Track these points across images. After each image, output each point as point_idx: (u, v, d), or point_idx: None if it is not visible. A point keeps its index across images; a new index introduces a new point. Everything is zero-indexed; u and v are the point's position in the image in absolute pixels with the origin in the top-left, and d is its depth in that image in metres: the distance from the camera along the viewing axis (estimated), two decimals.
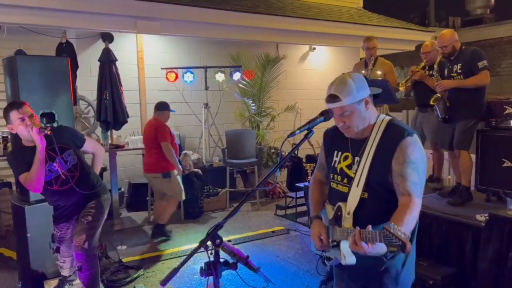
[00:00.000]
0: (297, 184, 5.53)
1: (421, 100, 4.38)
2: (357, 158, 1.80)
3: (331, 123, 1.88)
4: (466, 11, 12.85)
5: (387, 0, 13.42)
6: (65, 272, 3.17)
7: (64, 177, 2.85)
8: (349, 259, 1.72)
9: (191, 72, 6.44)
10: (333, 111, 1.77)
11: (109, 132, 5.55)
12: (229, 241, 4.65)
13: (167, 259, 4.32)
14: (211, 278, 1.56)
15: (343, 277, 1.96)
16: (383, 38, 7.50)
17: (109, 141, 5.45)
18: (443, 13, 13.61)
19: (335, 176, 1.90)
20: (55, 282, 3.29)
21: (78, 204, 2.96)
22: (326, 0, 8.33)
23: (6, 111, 2.75)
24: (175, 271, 1.43)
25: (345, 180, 1.84)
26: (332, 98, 1.74)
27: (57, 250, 3.08)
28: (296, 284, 3.71)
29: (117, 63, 5.60)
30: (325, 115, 1.76)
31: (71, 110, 3.73)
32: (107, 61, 5.46)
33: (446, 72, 3.94)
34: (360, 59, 4.93)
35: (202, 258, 1.60)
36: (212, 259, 1.56)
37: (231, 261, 1.64)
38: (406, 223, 1.57)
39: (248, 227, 5.30)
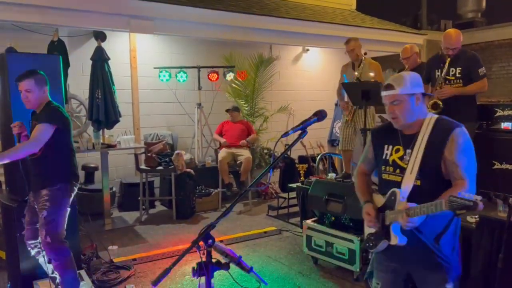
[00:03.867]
0: (290, 185, 5.53)
1: None
2: (408, 151, 1.96)
3: (322, 124, 1.93)
4: (457, 14, 12.96)
5: (380, 2, 13.49)
6: (44, 266, 3.17)
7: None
8: (400, 239, 1.90)
9: (184, 72, 6.42)
10: (385, 100, 1.98)
11: (101, 132, 5.51)
12: (221, 241, 4.65)
13: (158, 259, 4.29)
14: (203, 278, 1.55)
15: (390, 261, 2.08)
16: (375, 40, 7.55)
17: (101, 141, 5.40)
18: (435, 17, 13.71)
19: (387, 167, 2.06)
20: (44, 282, 3.25)
21: (28, 181, 3.08)
22: (319, 1, 8.36)
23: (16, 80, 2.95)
24: (166, 271, 1.42)
25: (398, 171, 2.00)
26: (387, 87, 1.96)
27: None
28: (288, 285, 3.71)
29: (109, 62, 5.56)
30: (319, 115, 1.77)
31: None
32: (100, 60, 5.41)
33: (440, 74, 3.88)
34: (349, 60, 4.95)
35: (194, 259, 1.58)
36: (204, 259, 1.55)
37: (223, 261, 1.63)
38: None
39: (240, 228, 5.29)
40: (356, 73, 4.73)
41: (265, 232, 5.10)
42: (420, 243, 1.91)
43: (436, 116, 1.98)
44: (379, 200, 2.06)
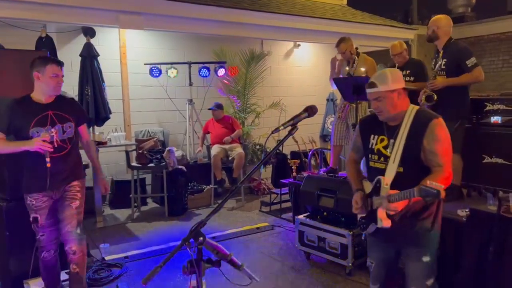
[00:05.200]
0: (282, 181, 5.53)
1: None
2: (392, 140, 2.16)
3: (314, 119, 1.98)
4: (448, 9, 13.02)
5: None
6: (46, 254, 2.97)
7: (56, 145, 2.78)
8: (386, 222, 2.07)
9: (175, 68, 6.38)
10: (369, 96, 2.18)
11: (91, 129, 5.46)
12: (213, 238, 4.64)
13: (151, 257, 4.27)
14: (194, 276, 1.54)
15: (379, 243, 2.36)
16: (366, 35, 7.56)
17: (91, 138, 5.35)
18: (426, 12, 13.77)
19: (372, 156, 2.26)
20: (35, 281, 3.22)
21: (59, 177, 2.85)
22: None
23: (44, 60, 2.75)
24: (156, 270, 1.41)
25: (382, 159, 2.21)
26: (370, 85, 2.16)
27: (34, 220, 2.86)
28: (281, 280, 3.72)
29: (99, 58, 5.50)
30: (309, 111, 1.77)
31: None
32: (89, 56, 5.36)
33: (434, 67, 3.84)
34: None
35: (188, 256, 1.57)
36: (195, 257, 1.54)
37: (214, 258, 1.62)
38: (438, 180, 1.90)
39: (233, 224, 5.28)
40: (347, 68, 4.74)
41: (257, 228, 5.10)
42: (404, 222, 2.11)
43: (417, 107, 2.17)
44: (368, 186, 2.27)
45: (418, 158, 2.09)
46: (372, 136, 2.28)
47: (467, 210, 3.22)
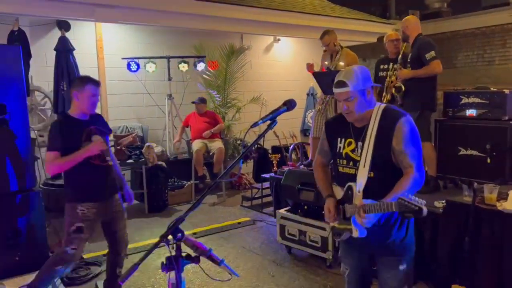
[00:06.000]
0: (263, 175, 5.54)
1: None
2: (359, 143, 2.02)
3: (294, 114, 1.92)
4: (425, 4, 13.21)
5: None
6: (72, 258, 2.86)
7: (104, 156, 2.90)
8: (360, 232, 1.97)
9: (153, 62, 6.29)
10: (338, 97, 2.00)
11: None
12: (194, 233, 4.61)
13: (130, 254, 4.17)
14: (173, 272, 1.52)
15: (352, 250, 2.21)
16: (345, 30, 7.60)
17: None
18: (403, 7, 13.94)
19: (341, 160, 2.11)
20: (10, 281, 3.14)
21: (107, 187, 2.96)
22: None
23: (84, 81, 2.85)
24: (133, 268, 1.38)
25: (351, 163, 2.06)
26: (340, 84, 1.96)
27: (79, 229, 2.80)
28: (262, 274, 3.72)
29: (75, 52, 5.37)
30: (288, 105, 1.77)
31: (24, 102, 3.55)
32: (64, 50, 5.23)
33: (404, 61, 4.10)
34: (324, 51, 4.98)
35: (167, 252, 1.56)
36: (173, 253, 1.52)
37: (193, 255, 1.60)
38: (408, 189, 1.86)
39: (214, 219, 5.26)
40: (326, 62, 4.76)
41: (239, 223, 5.09)
42: (378, 230, 2.00)
43: (383, 105, 2.04)
44: (338, 192, 2.14)
45: (389, 161, 1.96)
46: (339, 139, 2.13)
47: (443, 201, 3.29)
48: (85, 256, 4.03)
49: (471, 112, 3.99)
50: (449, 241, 3.19)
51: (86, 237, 2.90)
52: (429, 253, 3.34)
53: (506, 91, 3.78)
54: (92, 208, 2.84)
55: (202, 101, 6.31)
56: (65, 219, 2.85)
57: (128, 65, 6.16)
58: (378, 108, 2.02)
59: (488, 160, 3.78)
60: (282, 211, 4.17)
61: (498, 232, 2.91)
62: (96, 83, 2.87)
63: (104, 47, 6.19)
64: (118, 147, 5.54)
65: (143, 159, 5.49)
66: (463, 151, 3.98)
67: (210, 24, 6.20)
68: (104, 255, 4.10)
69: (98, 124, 2.97)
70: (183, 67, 6.47)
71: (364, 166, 1.96)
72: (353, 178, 2.02)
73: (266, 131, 1.75)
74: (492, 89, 3.98)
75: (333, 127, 2.21)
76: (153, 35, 6.67)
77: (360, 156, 1.99)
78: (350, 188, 2.02)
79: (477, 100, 3.94)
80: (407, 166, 1.93)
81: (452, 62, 11.38)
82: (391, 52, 4.46)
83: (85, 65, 5.86)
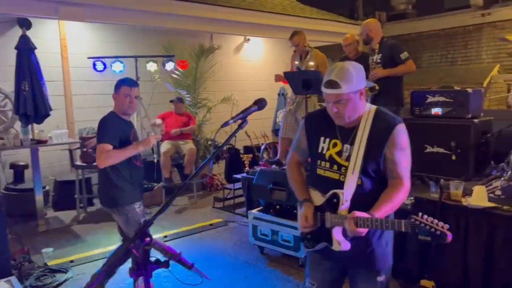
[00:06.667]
0: (235, 176, 5.50)
1: None
2: (347, 146, 1.82)
3: (265, 113, 1.88)
4: (390, 6, 13.53)
5: None
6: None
7: (141, 158, 3.12)
8: (344, 245, 1.79)
9: (121, 62, 6.13)
10: (328, 98, 1.77)
11: (29, 127, 5.12)
12: (164, 237, 4.52)
13: (98, 259, 4.09)
14: (141, 278, 1.47)
15: (323, 262, 1.99)
16: (315, 30, 7.67)
17: (30, 136, 5.02)
18: (370, 8, 14.24)
19: (323, 162, 1.89)
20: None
21: (142, 187, 3.17)
22: None
23: (119, 82, 2.99)
24: (99, 275, 1.32)
25: (335, 167, 1.84)
26: (331, 84, 1.73)
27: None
28: (236, 276, 3.69)
29: (37, 51, 5.14)
30: (259, 104, 1.74)
31: None
32: (25, 49, 5.00)
33: (373, 59, 4.27)
34: (294, 51, 5.01)
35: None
36: (141, 258, 1.46)
37: (163, 259, 1.55)
38: (396, 202, 1.76)
39: (185, 222, 5.18)
40: (296, 62, 4.79)
41: (211, 225, 5.04)
42: (356, 240, 1.83)
43: (375, 108, 1.87)
44: (317, 197, 1.91)
45: (378, 169, 1.80)
46: (322, 138, 1.90)
47: (411, 198, 3.35)
48: (49, 263, 3.87)
49: (436, 110, 4.08)
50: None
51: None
52: (398, 250, 3.39)
53: (470, 90, 3.89)
54: (141, 206, 3.02)
55: (181, 100, 6.23)
56: (123, 221, 2.94)
57: (94, 65, 5.97)
58: (370, 111, 1.84)
59: (453, 157, 3.88)
60: (255, 211, 4.15)
61: (463, 227, 2.99)
62: (131, 83, 2.95)
63: (69, 46, 6.00)
64: (85, 150, 5.36)
65: None
66: (429, 149, 4.07)
67: (179, 23, 6.11)
68: (70, 262, 3.97)
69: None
70: (151, 66, 6.33)
71: (352, 173, 1.77)
72: (336, 184, 1.82)
73: (237, 130, 1.72)
74: (456, 88, 4.10)
75: (316, 123, 1.96)
76: (120, 33, 6.51)
77: (348, 161, 1.79)
78: (335, 196, 1.81)
79: (442, 99, 4.04)
80: (397, 177, 1.79)
81: (417, 62, 11.71)
82: (349, 54, 4.60)
83: (49, 65, 5.66)
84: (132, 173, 2.97)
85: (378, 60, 4.16)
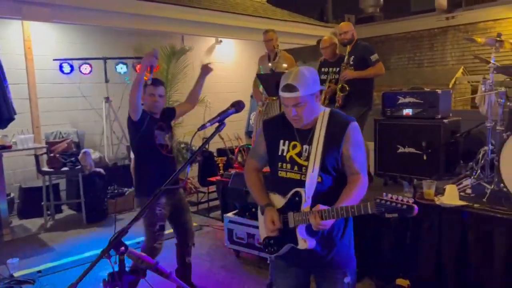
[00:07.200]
0: (209, 179, 5.43)
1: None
2: (305, 146, 1.88)
3: (239, 115, 1.85)
4: (359, 9, 13.79)
5: None
6: (160, 250, 3.08)
7: (170, 147, 3.16)
8: (310, 243, 1.82)
9: (89, 64, 5.95)
10: (287, 102, 1.82)
11: None
12: (137, 243, 4.39)
13: (67, 269, 3.93)
14: None
15: (288, 267, 2.01)
16: (286, 33, 7.70)
17: None
18: (340, 11, 14.47)
19: (284, 164, 1.93)
20: None
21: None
22: None
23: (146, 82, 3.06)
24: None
25: (296, 168, 1.90)
26: (289, 88, 1.79)
27: (162, 228, 3.04)
28: (211, 281, 3.63)
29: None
30: (236, 106, 1.72)
31: None
32: None
33: (343, 62, 4.27)
34: (263, 55, 5.03)
35: (110, 268, 1.43)
36: (116, 269, 1.40)
37: (139, 268, 1.49)
38: (357, 196, 1.81)
39: None
40: (270, 64, 4.78)
41: None
42: (322, 241, 1.88)
43: (329, 109, 1.95)
44: (277, 200, 1.95)
45: (336, 166, 1.87)
46: (281, 141, 1.95)
47: None
48: (15, 275, 3.69)
49: (407, 111, 4.17)
50: (392, 236, 3.30)
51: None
52: (373, 249, 3.43)
53: (439, 91, 3.99)
54: (166, 206, 3.06)
55: None
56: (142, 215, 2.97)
57: (60, 67, 5.79)
58: (324, 112, 1.92)
59: (424, 157, 3.96)
60: (230, 214, 4.10)
61: (436, 226, 3.06)
62: (155, 83, 3.06)
63: (34, 48, 5.77)
64: (52, 154, 5.17)
65: (79, 167, 5.17)
66: (401, 149, 4.14)
67: (149, 24, 6.00)
68: (38, 272, 3.80)
69: (167, 121, 3.20)
70: (121, 68, 6.20)
71: (312, 171, 1.83)
72: (298, 183, 1.87)
73: (214, 133, 1.68)
74: (426, 89, 4.19)
75: (274, 128, 2.01)
76: (89, 34, 6.31)
77: (307, 160, 1.86)
78: (297, 194, 1.85)
79: (412, 100, 4.13)
80: (355, 172, 1.86)
81: (386, 64, 11.96)
82: (327, 56, 4.59)
83: (12, 67, 5.42)
84: (161, 163, 3.10)
85: (351, 62, 4.19)
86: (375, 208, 1.61)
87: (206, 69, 3.44)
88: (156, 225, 3.01)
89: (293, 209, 1.86)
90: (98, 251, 1.41)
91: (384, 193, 1.61)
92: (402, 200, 1.57)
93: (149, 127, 3.02)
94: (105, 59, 6.08)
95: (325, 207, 1.74)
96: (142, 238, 4.56)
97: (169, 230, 4.86)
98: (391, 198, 1.58)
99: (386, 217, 1.62)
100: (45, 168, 5.20)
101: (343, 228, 1.93)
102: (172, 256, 3.37)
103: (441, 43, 11.23)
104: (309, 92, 1.80)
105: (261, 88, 4.72)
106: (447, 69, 10.90)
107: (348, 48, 4.25)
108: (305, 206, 1.81)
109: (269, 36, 4.80)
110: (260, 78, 4.58)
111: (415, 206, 1.56)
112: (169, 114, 3.29)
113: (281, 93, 1.83)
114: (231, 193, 4.20)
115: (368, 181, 1.90)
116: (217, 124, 1.64)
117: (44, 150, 5.37)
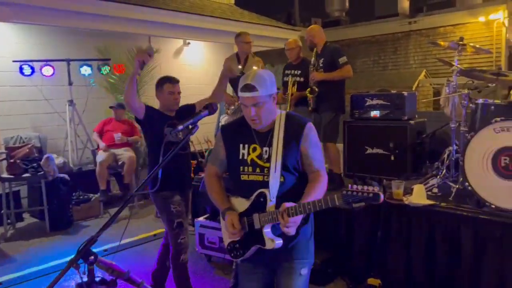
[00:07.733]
0: None
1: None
2: (265, 148, 1.92)
3: (208, 118, 1.89)
4: (325, 13, 14.03)
5: None
6: (187, 244, 3.11)
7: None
8: (277, 242, 1.84)
9: (51, 66, 5.73)
10: (246, 101, 1.85)
11: None
12: (105, 251, 4.26)
13: (31, 279, 3.75)
14: None
15: (256, 269, 2.03)
16: (255, 35, 7.67)
17: None
18: (306, 14, 14.68)
19: (246, 167, 1.96)
20: None
21: (187, 176, 3.21)
22: None
23: (161, 81, 3.17)
24: None
25: (258, 170, 1.93)
26: (249, 88, 1.82)
27: (180, 224, 3.04)
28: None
29: None
30: (209, 108, 1.69)
31: None
32: None
33: (311, 64, 4.25)
34: (234, 54, 4.96)
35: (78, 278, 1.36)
36: (85, 279, 1.33)
37: (109, 278, 1.42)
38: (320, 191, 1.87)
39: (128, 233, 4.91)
40: (240, 66, 4.75)
41: (154, 235, 4.84)
42: (283, 238, 1.89)
43: (285, 112, 2.01)
44: (241, 204, 1.96)
45: (297, 165, 1.93)
46: (241, 145, 1.97)
47: None
48: None
49: (375, 113, 4.26)
50: (363, 236, 3.35)
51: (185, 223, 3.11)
52: (345, 249, 3.47)
53: (405, 93, 4.10)
54: (181, 202, 3.07)
55: (121, 106, 5.90)
56: (159, 211, 3.14)
57: (21, 69, 5.54)
58: (281, 115, 1.97)
59: (392, 158, 4.06)
60: (201, 219, 4.05)
61: (405, 225, 3.12)
62: (173, 80, 3.15)
63: None
64: (12, 160, 4.93)
65: (42, 172, 4.96)
66: (369, 150, 4.23)
67: (114, 25, 5.86)
68: (10, 279, 3.60)
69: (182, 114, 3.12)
70: (86, 70, 6.00)
71: (275, 171, 1.87)
72: (261, 185, 1.89)
73: (187, 136, 1.64)
74: (392, 91, 4.29)
75: (233, 132, 2.03)
76: (51, 35, 6.08)
77: (269, 161, 1.89)
78: (262, 195, 1.87)
79: (380, 102, 4.23)
80: (315, 170, 1.94)
81: (352, 67, 12.28)
82: (291, 58, 4.62)
83: None
84: (174, 160, 3.05)
85: (321, 64, 4.17)
86: (342, 200, 1.63)
87: (140, 56, 2.86)
88: (174, 222, 3.03)
89: (258, 210, 1.88)
90: (64, 261, 1.33)
91: (350, 185, 1.64)
92: (367, 189, 1.59)
93: (159, 125, 3.01)
94: (68, 60, 5.87)
95: (292, 204, 1.76)
96: (109, 245, 4.45)
97: (128, 239, 4.77)
98: (357, 188, 1.61)
99: (354, 208, 1.64)
100: (5, 175, 4.96)
101: (304, 223, 1.94)
102: (132, 265, 3.29)
103: (404, 47, 11.59)
104: (267, 92, 1.85)
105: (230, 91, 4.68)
106: (410, 72, 11.25)
107: (317, 50, 4.24)
108: (270, 205, 1.85)
109: (247, 39, 4.69)
110: (232, 82, 4.54)
111: (381, 194, 1.59)
112: (189, 110, 3.24)
113: (241, 93, 1.86)
114: (201, 197, 4.14)
115: (340, 183, 1.94)
116: (190, 126, 1.60)
117: (4, 156, 5.12)
